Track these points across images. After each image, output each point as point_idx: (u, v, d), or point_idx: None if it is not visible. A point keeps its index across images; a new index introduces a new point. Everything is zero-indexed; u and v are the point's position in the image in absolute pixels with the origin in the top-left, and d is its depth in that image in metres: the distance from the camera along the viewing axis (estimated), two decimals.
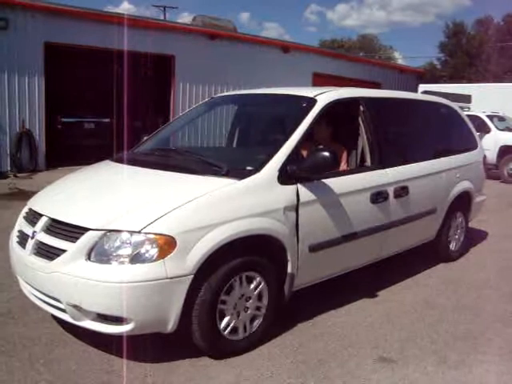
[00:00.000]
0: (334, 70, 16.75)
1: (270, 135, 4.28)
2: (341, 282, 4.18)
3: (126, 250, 2.85)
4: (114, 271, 2.83)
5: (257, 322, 3.33)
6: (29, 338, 3.33)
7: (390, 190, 4.15)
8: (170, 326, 2.94)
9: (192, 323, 3.02)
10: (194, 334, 3.06)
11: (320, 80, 15.49)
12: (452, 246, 5.39)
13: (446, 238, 5.26)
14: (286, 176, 3.38)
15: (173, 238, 2.85)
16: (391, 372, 3.13)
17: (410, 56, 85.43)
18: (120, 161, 3.96)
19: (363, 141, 4.20)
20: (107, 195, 3.34)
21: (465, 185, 5.32)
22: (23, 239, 3.31)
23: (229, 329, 3.16)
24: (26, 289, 3.32)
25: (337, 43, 46.98)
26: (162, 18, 31.32)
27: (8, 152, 10.70)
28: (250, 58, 14.41)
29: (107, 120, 12.87)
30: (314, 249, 3.56)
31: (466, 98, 10.16)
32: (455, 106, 5.72)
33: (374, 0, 79.91)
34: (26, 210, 3.56)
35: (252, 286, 3.25)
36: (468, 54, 37.03)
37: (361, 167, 4.19)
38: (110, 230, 2.89)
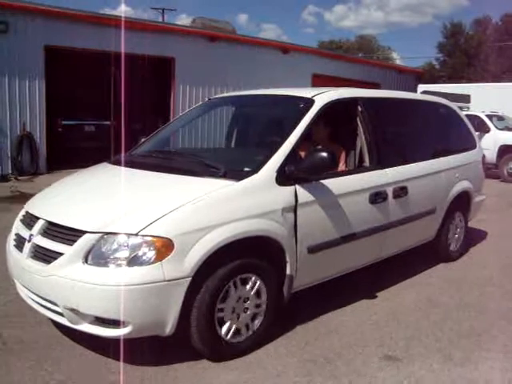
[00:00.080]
0: (334, 71, 16.75)
1: (267, 136, 4.25)
2: (342, 283, 4.17)
3: (124, 253, 2.83)
4: (111, 274, 2.81)
5: (257, 321, 3.31)
6: (27, 341, 3.31)
7: (389, 191, 4.13)
8: (168, 329, 2.92)
9: (190, 326, 3.00)
10: (192, 337, 3.04)
11: (319, 81, 15.48)
12: (452, 246, 5.37)
13: (446, 237, 5.24)
14: (284, 177, 3.36)
15: (170, 241, 2.83)
16: (397, 370, 3.15)
17: (408, 56, 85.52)
18: (117, 163, 3.94)
19: (362, 141, 4.18)
20: (104, 198, 3.32)
21: (464, 184, 5.31)
22: (20, 242, 3.29)
23: (229, 331, 3.14)
24: (23, 292, 3.30)
25: (335, 44, 47.04)
26: (160, 20, 31.32)
27: (9, 155, 10.70)
28: (250, 60, 14.41)
29: (108, 123, 12.87)
30: (312, 250, 3.54)
31: (465, 98, 10.16)
32: (454, 105, 5.70)
33: (371, 1, 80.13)
34: (22, 213, 3.55)
35: (249, 286, 3.22)
36: (466, 53, 37.09)
37: (359, 167, 4.17)
38: (107, 233, 2.87)
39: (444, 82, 27.27)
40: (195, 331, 3.00)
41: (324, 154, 3.35)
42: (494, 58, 35.20)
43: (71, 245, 2.91)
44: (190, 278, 2.88)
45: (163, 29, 13.50)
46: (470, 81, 26.11)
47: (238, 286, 3.16)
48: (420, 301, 4.27)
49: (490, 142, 12.60)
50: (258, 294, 3.28)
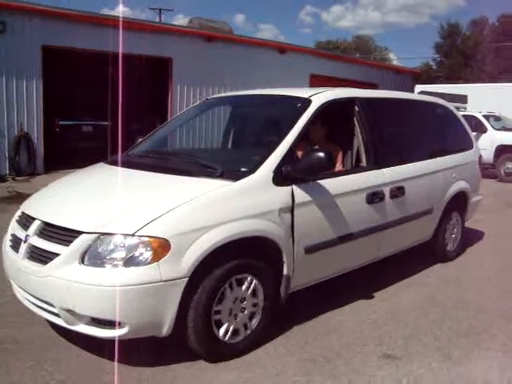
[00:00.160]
0: (331, 72, 16.76)
1: (264, 136, 4.25)
2: (339, 283, 4.16)
3: (120, 253, 2.82)
4: (107, 275, 2.80)
5: (255, 321, 3.30)
6: (23, 342, 3.31)
7: (386, 191, 4.13)
8: (165, 329, 2.91)
9: (187, 327, 2.99)
10: (189, 338, 3.03)
11: (317, 81, 15.50)
12: (449, 246, 5.38)
13: (443, 238, 5.24)
14: (280, 177, 3.36)
15: (167, 241, 2.83)
16: (396, 369, 3.16)
17: (405, 57, 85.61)
18: (114, 163, 3.93)
19: (359, 141, 4.18)
20: (100, 198, 3.31)
21: (461, 185, 5.31)
22: (16, 243, 3.27)
23: (227, 332, 3.13)
24: (20, 293, 3.28)
25: (332, 44, 47.05)
26: (157, 20, 31.30)
27: (6, 155, 10.69)
28: (247, 60, 14.41)
29: (105, 123, 12.86)
30: (309, 250, 3.53)
31: (463, 99, 10.21)
32: (450, 105, 5.71)
33: (368, 1, 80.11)
34: (18, 213, 3.53)
35: (246, 287, 3.21)
36: (463, 54, 37.17)
37: (356, 167, 4.17)
38: (104, 233, 2.86)
39: (441, 83, 27.32)
40: (192, 332, 2.99)
41: (321, 154, 3.35)
42: (491, 59, 35.28)
43: (67, 245, 2.90)
44: (186, 279, 2.87)
45: (161, 29, 13.51)
46: (467, 81, 26.20)
47: (234, 286, 3.15)
48: (418, 300, 4.28)
49: (487, 142, 12.65)
50: (254, 294, 3.27)
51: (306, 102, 3.82)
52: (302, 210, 3.43)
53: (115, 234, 2.85)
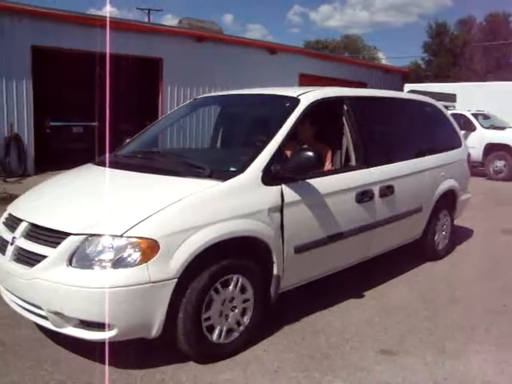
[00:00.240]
0: (321, 71, 16.81)
1: (253, 136, 4.23)
2: (330, 282, 4.17)
3: (108, 255, 2.79)
4: (96, 276, 2.78)
5: (242, 325, 3.28)
6: (8, 344, 3.27)
7: (376, 190, 4.14)
8: (155, 331, 2.89)
9: (177, 328, 2.97)
10: (179, 339, 3.01)
11: (307, 80, 15.51)
12: (438, 245, 5.40)
13: (432, 236, 5.26)
14: (270, 176, 3.35)
15: (156, 242, 2.81)
16: (393, 363, 3.22)
17: (393, 56, 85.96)
18: (101, 164, 3.90)
19: (348, 140, 4.18)
20: (88, 199, 3.28)
21: (450, 183, 5.34)
22: (3, 245, 3.23)
23: (216, 333, 3.12)
24: (7, 296, 3.24)
25: (321, 44, 47.12)
26: (145, 20, 31.16)
27: None
28: (238, 60, 14.41)
29: (95, 124, 12.80)
30: (299, 250, 3.53)
31: (452, 97, 10.25)
32: (439, 104, 5.73)
33: (356, 1, 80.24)
34: (5, 215, 3.49)
35: (236, 288, 3.20)
36: (452, 53, 37.41)
37: (345, 167, 4.18)
38: (92, 235, 2.83)
39: (430, 82, 27.45)
40: (182, 333, 2.98)
41: (310, 154, 3.35)
42: (479, 58, 35.58)
43: (55, 247, 2.87)
44: (175, 280, 2.85)
45: (151, 29, 13.48)
46: (455, 80, 26.36)
47: (224, 287, 3.13)
48: (409, 298, 4.31)
49: (476, 141, 12.75)
50: (245, 300, 3.26)
51: (295, 102, 3.81)
52: (291, 210, 3.42)
53: (103, 235, 2.82)
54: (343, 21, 77.03)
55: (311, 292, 4.10)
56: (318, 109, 3.95)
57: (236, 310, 3.22)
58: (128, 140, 4.47)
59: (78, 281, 2.77)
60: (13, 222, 3.28)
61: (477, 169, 12.15)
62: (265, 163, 3.36)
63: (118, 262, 2.77)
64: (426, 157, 5.03)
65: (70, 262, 2.82)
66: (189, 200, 3.02)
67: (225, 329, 3.16)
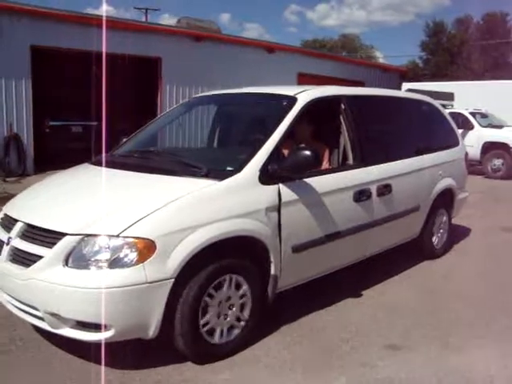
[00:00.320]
0: (319, 70, 16.84)
1: (250, 135, 4.22)
2: (327, 282, 4.16)
3: (105, 255, 2.78)
4: (92, 277, 2.76)
5: (240, 326, 3.27)
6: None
7: (373, 188, 4.13)
8: (152, 331, 2.87)
9: (174, 328, 2.96)
10: (176, 340, 3.00)
11: (305, 80, 15.54)
12: (436, 243, 5.39)
13: (430, 235, 5.26)
14: (267, 176, 3.33)
15: (152, 242, 2.79)
16: (397, 358, 3.26)
17: (390, 55, 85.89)
18: (98, 164, 3.88)
19: (345, 139, 4.16)
20: (84, 199, 3.26)
21: (447, 182, 5.33)
22: None
23: (210, 331, 3.10)
24: (3, 297, 3.22)
25: (319, 43, 47.02)
26: (143, 19, 31.10)
27: None
28: (236, 59, 14.42)
29: (94, 123, 12.79)
30: (297, 249, 3.52)
31: (449, 96, 10.25)
32: (436, 103, 5.72)
33: (353, 0, 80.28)
34: (1, 215, 3.47)
35: (233, 287, 3.18)
36: (449, 52, 37.41)
37: (343, 166, 4.16)
38: (88, 235, 2.82)
39: (427, 80, 27.46)
40: (179, 333, 2.96)
41: (307, 153, 3.33)
42: (477, 57, 35.59)
43: (51, 247, 2.85)
44: (172, 280, 2.84)
45: (150, 29, 13.50)
46: (453, 79, 26.37)
47: (221, 287, 3.11)
48: (408, 296, 4.33)
49: (474, 139, 12.77)
50: (242, 296, 3.24)
51: (292, 100, 3.80)
52: (288, 209, 3.41)
53: (100, 235, 2.81)
54: (340, 20, 77.00)
55: (309, 292, 4.09)
56: (315, 108, 3.93)
57: (234, 309, 3.21)
58: (125, 139, 4.45)
59: (74, 281, 2.75)
60: (8, 223, 3.26)
61: (475, 167, 12.17)
62: (262, 162, 3.34)
63: (115, 263, 2.76)
64: (424, 156, 5.02)
65: (66, 263, 2.80)
66: (185, 200, 3.01)
67: (225, 328, 3.15)
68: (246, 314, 3.28)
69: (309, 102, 3.85)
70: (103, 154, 4.05)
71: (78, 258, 2.80)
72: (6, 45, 10.39)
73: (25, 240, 3.03)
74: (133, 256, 2.76)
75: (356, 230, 4.01)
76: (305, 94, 3.91)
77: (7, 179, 10.30)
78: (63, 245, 2.82)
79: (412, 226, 4.95)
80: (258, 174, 3.30)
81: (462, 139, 6.02)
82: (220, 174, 3.25)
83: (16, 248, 3.04)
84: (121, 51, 11.05)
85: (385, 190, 4.25)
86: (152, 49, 12.84)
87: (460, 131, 6.29)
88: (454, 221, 5.88)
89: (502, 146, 12.82)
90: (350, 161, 4.14)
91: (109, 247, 2.78)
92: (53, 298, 2.80)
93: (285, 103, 3.80)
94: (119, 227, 2.80)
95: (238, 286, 3.22)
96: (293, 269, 3.56)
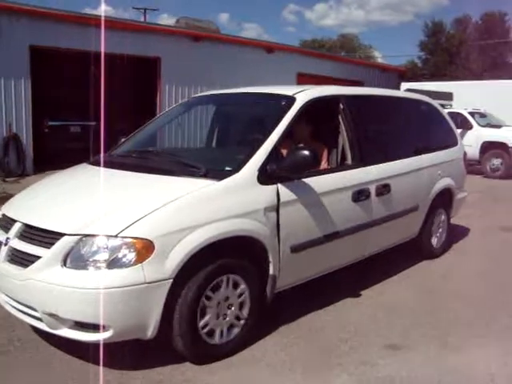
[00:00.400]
0: (318, 70, 16.85)
1: (249, 135, 4.22)
2: (326, 282, 4.16)
3: (103, 255, 2.77)
4: (90, 277, 2.76)
5: (239, 326, 3.26)
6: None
7: (372, 188, 4.12)
8: (150, 332, 2.87)
9: (172, 329, 2.95)
10: (174, 340, 2.99)
11: (304, 80, 15.55)
12: (435, 243, 5.39)
13: (429, 235, 5.26)
14: (265, 176, 3.33)
15: (151, 242, 2.79)
16: (397, 357, 3.27)
17: (389, 55, 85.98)
18: (96, 164, 3.87)
19: (344, 139, 4.16)
20: (82, 199, 3.26)
21: (446, 182, 5.33)
22: None
23: (208, 332, 3.09)
24: (1, 298, 3.21)
25: (317, 43, 47.02)
26: (141, 19, 31.08)
27: None
28: (235, 59, 14.42)
29: (93, 123, 12.79)
30: (295, 249, 3.51)
31: (448, 96, 10.26)
32: (435, 102, 5.72)
33: None
34: None
35: (232, 288, 3.18)
36: (448, 52, 37.42)
37: (342, 165, 4.15)
38: (86, 235, 2.81)
39: (426, 80, 27.47)
40: (177, 333, 2.96)
41: (306, 153, 3.33)
42: (475, 57, 35.60)
43: (49, 248, 2.84)
44: (171, 280, 2.84)
45: (149, 29, 13.49)
46: (452, 78, 26.39)
47: (220, 287, 3.11)
48: (410, 295, 4.35)
49: (473, 139, 12.78)
50: (240, 295, 3.24)
51: (291, 100, 3.79)
52: (287, 209, 3.40)
53: (98, 235, 2.80)
54: (339, 20, 77.03)
55: (307, 292, 4.08)
56: (313, 107, 3.93)
57: (233, 308, 3.21)
58: (123, 139, 4.45)
59: (72, 281, 2.75)
60: (6, 223, 3.25)
61: (473, 167, 12.19)
62: (260, 162, 3.34)
63: (113, 263, 2.75)
64: (422, 155, 5.01)
65: (64, 263, 2.80)
66: (184, 200, 3.00)
67: (225, 328, 3.15)
68: (245, 312, 3.28)
69: (307, 102, 3.84)
70: (101, 154, 4.04)
71: (76, 259, 2.80)
72: (5, 45, 10.39)
73: (23, 240, 3.02)
74: (131, 256, 2.76)
75: (355, 230, 4.01)
76: (303, 94, 3.90)
77: (7, 179, 10.30)
78: (61, 245, 2.81)
79: (411, 225, 4.95)
80: (256, 173, 3.30)
81: (460, 139, 6.02)
82: (218, 174, 3.24)
83: (14, 248, 3.03)
84: (120, 51, 11.04)
85: (383, 189, 4.25)
86: (151, 49, 12.85)
87: (459, 131, 6.29)
88: (452, 220, 5.88)
89: (500, 145, 12.83)
90: (349, 161, 4.14)
91: (107, 247, 2.77)
92: (51, 299, 2.79)
93: (283, 103, 3.80)
94: (117, 227, 2.80)
95: (237, 286, 3.22)
96: (291, 269, 3.56)
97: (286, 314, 3.79)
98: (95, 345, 2.86)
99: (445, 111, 5.89)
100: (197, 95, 5.30)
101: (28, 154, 11.11)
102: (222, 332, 3.15)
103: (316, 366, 3.14)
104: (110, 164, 3.76)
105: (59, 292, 2.76)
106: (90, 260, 2.78)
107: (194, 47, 13.81)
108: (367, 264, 4.56)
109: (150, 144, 4.48)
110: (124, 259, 2.76)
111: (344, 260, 4.19)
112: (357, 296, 4.25)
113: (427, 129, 5.40)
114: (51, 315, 2.81)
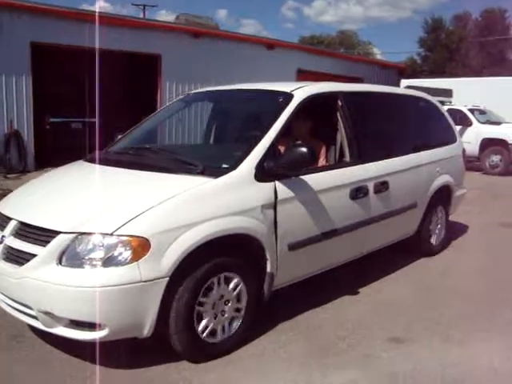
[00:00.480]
0: (318, 67, 16.81)
1: (246, 131, 4.18)
2: (324, 280, 4.15)
3: (99, 253, 2.75)
4: (86, 275, 2.74)
5: (236, 324, 3.25)
6: None
7: (370, 186, 4.10)
8: (146, 330, 2.85)
9: (169, 327, 2.93)
10: (171, 338, 2.97)
11: (304, 76, 15.56)
12: (433, 240, 5.38)
13: (427, 232, 5.24)
14: (263, 173, 3.30)
15: (147, 240, 2.76)
16: (400, 350, 3.30)
17: (388, 51, 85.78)
18: (93, 161, 3.85)
19: (342, 136, 4.14)
20: (78, 197, 3.23)
21: (445, 178, 5.31)
22: None
23: (207, 331, 3.08)
24: None
25: (316, 39, 46.89)
26: (140, 16, 31.00)
27: None
28: (235, 56, 14.39)
29: (95, 120, 12.79)
30: (293, 247, 3.49)
31: (448, 93, 10.25)
32: (434, 99, 5.70)
33: None
34: None
35: (229, 286, 3.17)
36: (448, 48, 37.35)
37: (340, 163, 4.14)
38: (82, 233, 2.79)
39: (426, 77, 27.41)
40: (174, 332, 2.94)
41: (303, 150, 3.30)
42: (475, 53, 35.54)
43: (44, 246, 2.82)
44: (167, 278, 2.82)
45: (149, 25, 13.46)
46: (451, 75, 26.35)
47: (216, 285, 3.09)
48: (411, 291, 4.36)
49: (472, 136, 12.79)
50: (238, 294, 3.22)
51: (288, 97, 3.77)
52: (284, 207, 3.38)
53: (94, 233, 2.78)
54: (337, 16, 76.83)
55: (305, 289, 4.07)
56: (311, 104, 3.90)
57: (226, 314, 3.18)
58: (120, 136, 4.42)
59: (68, 280, 2.73)
60: (2, 221, 3.23)
61: (473, 163, 12.19)
62: (258, 159, 3.31)
63: (109, 261, 2.73)
64: (421, 152, 4.99)
65: (59, 261, 2.78)
66: (181, 197, 2.98)
67: (215, 327, 3.12)
68: (243, 312, 3.26)
69: (305, 99, 3.81)
70: (97, 151, 4.01)
71: (71, 257, 2.78)
72: (6, 41, 10.41)
73: (18, 238, 3.00)
74: (127, 254, 2.74)
75: (353, 228, 3.99)
76: (301, 91, 3.87)
77: (8, 176, 10.33)
78: (57, 243, 2.79)
79: (409, 223, 4.93)
80: (253, 171, 3.27)
81: (459, 136, 6.00)
82: (215, 172, 3.22)
83: (9, 246, 3.01)
84: (121, 48, 11.05)
85: (382, 187, 4.23)
86: (151, 45, 12.84)
87: (458, 128, 6.27)
88: (451, 217, 5.87)
89: (500, 142, 12.85)
90: (347, 158, 4.11)
91: (103, 245, 2.75)
92: (46, 297, 2.78)
93: (281, 100, 3.77)
94: (113, 225, 2.78)
95: (233, 284, 3.20)
96: (289, 266, 3.54)
97: (283, 311, 3.77)
98: (92, 343, 2.84)
99: (443, 108, 5.87)
100: (193, 91, 5.26)
101: (29, 151, 11.14)
102: (216, 330, 3.12)
103: (313, 364, 3.12)
104: (106, 161, 3.73)
105: (54, 290, 2.74)
106: (86, 258, 2.76)
107: (194, 44, 13.80)
108: (365, 261, 4.54)
109: (146, 141, 4.45)
110: (120, 257, 2.74)
111: (342, 258, 4.17)
112: (355, 294, 4.23)
113: (426, 126, 5.37)
114: (47, 313, 2.80)
